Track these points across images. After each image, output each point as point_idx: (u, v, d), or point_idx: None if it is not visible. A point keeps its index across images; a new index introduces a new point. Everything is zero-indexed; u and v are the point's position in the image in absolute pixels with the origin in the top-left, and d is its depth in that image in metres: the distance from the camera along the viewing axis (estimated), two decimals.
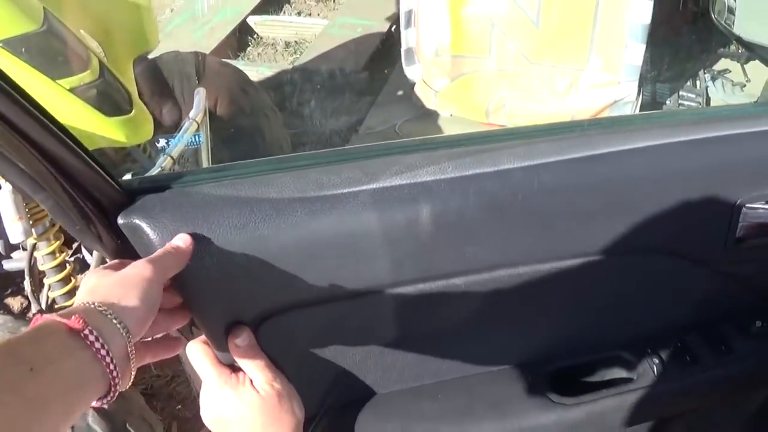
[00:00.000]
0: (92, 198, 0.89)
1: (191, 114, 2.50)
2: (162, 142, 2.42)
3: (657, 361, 1.32)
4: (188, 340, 1.02)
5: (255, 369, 0.99)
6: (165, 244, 0.89)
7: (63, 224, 0.91)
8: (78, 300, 0.81)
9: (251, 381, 1.00)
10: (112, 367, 0.75)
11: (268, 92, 4.22)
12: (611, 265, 1.18)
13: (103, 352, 0.74)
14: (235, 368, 1.00)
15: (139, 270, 0.84)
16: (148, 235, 0.90)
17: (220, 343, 0.99)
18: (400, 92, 4.12)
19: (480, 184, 1.05)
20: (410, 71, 3.84)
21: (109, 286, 0.82)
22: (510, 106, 3.55)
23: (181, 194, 0.95)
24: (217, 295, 0.96)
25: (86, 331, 0.74)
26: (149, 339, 0.94)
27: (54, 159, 0.84)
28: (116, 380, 0.76)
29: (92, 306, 0.78)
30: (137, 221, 0.90)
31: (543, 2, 3.38)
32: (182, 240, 0.89)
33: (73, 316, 0.74)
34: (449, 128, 3.75)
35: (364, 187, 1.01)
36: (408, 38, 3.78)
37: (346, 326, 1.11)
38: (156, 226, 0.90)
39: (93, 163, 0.87)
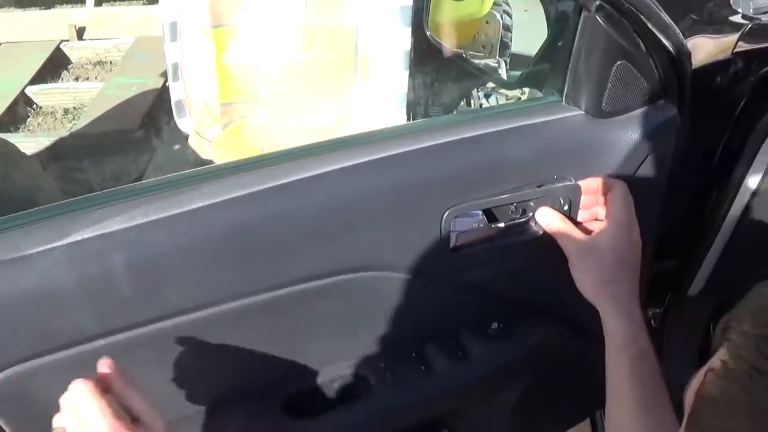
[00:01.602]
0: None
1: None
2: None
3: (390, 374, 1.35)
4: None
5: None
6: None
7: None
8: None
9: None
10: None
11: (48, 161, 4.11)
12: (328, 287, 1.20)
13: None
14: None
15: None
16: None
17: None
18: (176, 146, 4.06)
19: (170, 227, 1.07)
20: (182, 123, 3.78)
21: None
22: (284, 147, 3.51)
23: None
24: None
25: None
26: None
27: None
28: None
29: None
30: None
31: (302, 40, 3.40)
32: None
33: None
34: None
35: (55, 245, 1.02)
36: (176, 91, 3.72)
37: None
38: None
39: None
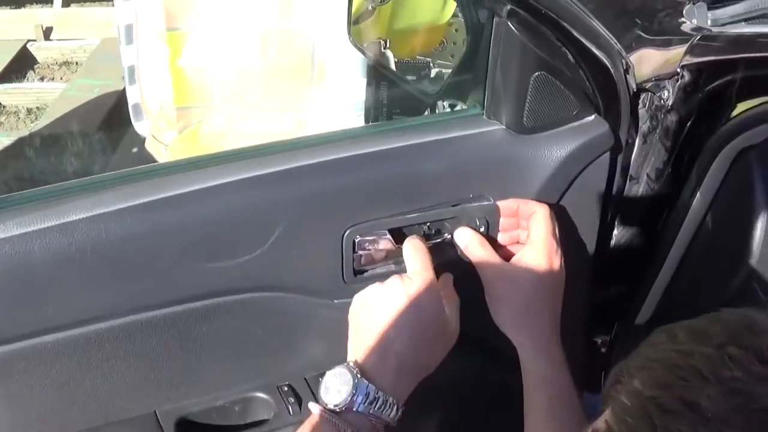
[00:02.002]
0: None
1: None
2: None
3: (293, 400, 1.26)
4: None
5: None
6: None
7: None
8: None
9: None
10: None
11: (8, 161, 4.16)
12: (224, 307, 1.15)
13: None
14: None
15: None
16: None
17: None
18: (135, 149, 3.98)
19: (45, 239, 0.99)
20: (139, 127, 3.72)
21: None
22: None
23: None
24: None
25: None
26: None
27: None
28: None
29: None
30: None
31: (258, 45, 3.31)
32: None
33: None
34: None
35: None
36: (133, 94, 3.66)
37: None
38: None
39: None
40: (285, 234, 1.10)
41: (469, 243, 1.15)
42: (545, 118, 1.18)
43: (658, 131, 1.25)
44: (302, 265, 1.14)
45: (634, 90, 1.20)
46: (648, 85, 1.21)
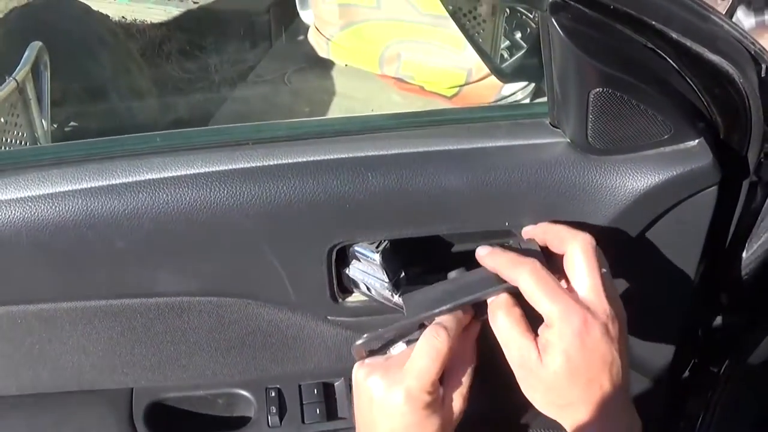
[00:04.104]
0: None
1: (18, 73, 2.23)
2: None
3: (275, 410, 1.15)
4: None
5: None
6: None
7: None
8: None
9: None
10: None
11: (173, 32, 4.10)
12: (197, 305, 1.05)
13: None
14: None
15: None
16: None
17: None
18: (301, 37, 3.87)
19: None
20: (305, 15, 3.65)
21: None
22: (405, 57, 3.34)
23: None
24: None
25: None
26: None
27: None
28: None
29: None
30: None
31: None
32: None
33: None
34: (340, 79, 3.56)
35: None
36: None
37: None
38: None
39: None
40: (258, 240, 0.95)
41: (494, 313, 0.90)
42: (620, 141, 0.90)
43: None
44: (282, 277, 0.99)
45: None
46: None
